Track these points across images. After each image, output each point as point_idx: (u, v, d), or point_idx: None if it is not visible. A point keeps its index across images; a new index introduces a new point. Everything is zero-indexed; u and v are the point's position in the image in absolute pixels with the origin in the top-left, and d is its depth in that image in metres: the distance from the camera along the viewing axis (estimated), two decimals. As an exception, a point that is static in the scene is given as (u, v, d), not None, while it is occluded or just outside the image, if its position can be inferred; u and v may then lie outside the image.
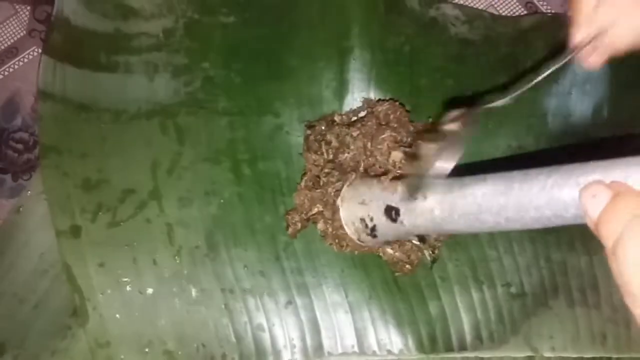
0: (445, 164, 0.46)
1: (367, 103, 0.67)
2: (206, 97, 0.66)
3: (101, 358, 0.59)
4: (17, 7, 0.75)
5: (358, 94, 0.68)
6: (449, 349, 0.62)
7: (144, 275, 0.61)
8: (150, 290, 0.61)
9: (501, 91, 0.49)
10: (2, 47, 0.74)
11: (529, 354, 0.63)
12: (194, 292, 0.61)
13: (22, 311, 0.63)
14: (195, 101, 0.66)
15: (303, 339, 0.61)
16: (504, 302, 0.64)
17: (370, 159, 0.60)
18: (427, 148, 0.50)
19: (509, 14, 0.77)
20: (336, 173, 0.61)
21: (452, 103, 0.62)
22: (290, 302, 0.62)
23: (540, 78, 0.47)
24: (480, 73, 0.71)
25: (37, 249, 0.65)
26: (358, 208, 0.56)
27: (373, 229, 0.55)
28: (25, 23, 0.75)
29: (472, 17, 0.73)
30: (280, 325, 0.61)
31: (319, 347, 0.61)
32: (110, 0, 0.67)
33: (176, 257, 0.62)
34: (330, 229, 0.61)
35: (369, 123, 0.63)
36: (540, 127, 0.70)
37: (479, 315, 0.63)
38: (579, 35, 0.45)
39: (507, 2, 0.77)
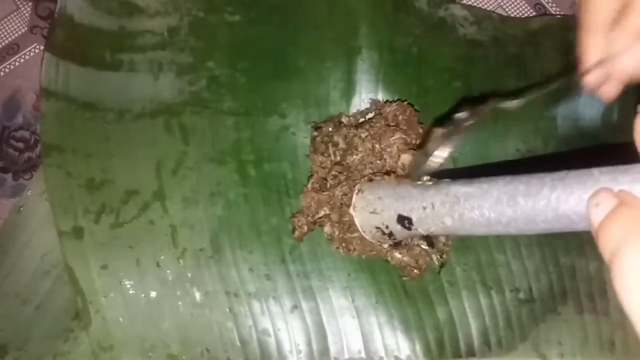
0: (442, 153, 0.47)
1: (375, 104, 0.66)
2: (211, 96, 0.65)
3: (104, 361, 0.58)
4: (18, 3, 0.74)
5: (366, 95, 0.67)
6: (457, 354, 0.61)
7: (147, 277, 0.60)
8: (153, 293, 0.60)
9: (512, 94, 0.49)
10: (3, 44, 0.73)
11: (538, 360, 0.62)
12: (198, 295, 0.60)
13: (24, 313, 0.62)
14: (201, 101, 0.65)
15: (309, 344, 0.61)
16: (512, 308, 0.63)
17: (379, 161, 0.59)
18: (436, 132, 0.50)
19: (517, 16, 0.76)
20: (343, 175, 0.61)
21: (463, 102, 0.62)
22: (296, 306, 0.61)
23: (550, 88, 0.47)
24: (489, 74, 0.70)
25: (38, 249, 0.64)
26: (371, 217, 0.56)
27: (390, 234, 0.55)
28: (26, 19, 0.73)
29: (480, 18, 0.72)
30: (285, 330, 0.61)
31: (325, 352, 0.61)
32: (115, -3, 0.67)
33: (180, 259, 0.61)
34: (337, 232, 0.60)
35: (378, 124, 0.62)
36: (549, 130, 0.69)
37: (487, 320, 0.62)
38: (589, 59, 0.43)
39: (515, 3, 0.76)
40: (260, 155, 0.65)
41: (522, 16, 0.76)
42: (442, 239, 0.62)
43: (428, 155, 0.49)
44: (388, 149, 0.58)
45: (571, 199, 0.35)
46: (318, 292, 0.62)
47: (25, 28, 0.73)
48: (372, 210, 0.55)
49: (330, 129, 0.64)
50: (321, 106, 0.66)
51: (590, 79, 0.44)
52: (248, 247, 0.62)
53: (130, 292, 0.59)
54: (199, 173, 0.63)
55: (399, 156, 0.58)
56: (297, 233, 0.61)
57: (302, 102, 0.66)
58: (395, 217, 0.52)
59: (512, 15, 0.76)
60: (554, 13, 0.76)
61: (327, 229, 0.61)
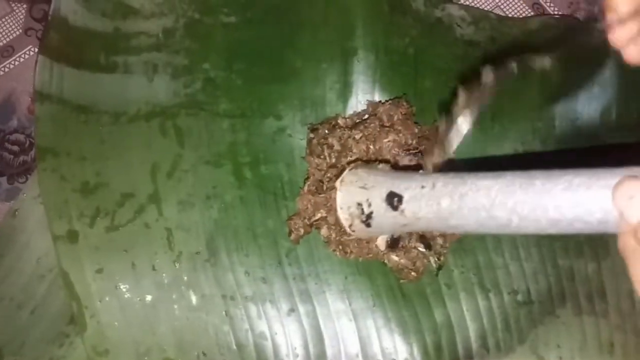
0: (467, 118, 0.45)
1: (372, 105, 0.66)
2: (207, 98, 0.65)
3: (99, 366, 0.58)
4: (13, 5, 0.73)
5: (362, 97, 0.66)
6: (455, 357, 0.61)
7: (143, 281, 0.60)
8: (149, 297, 0.59)
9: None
10: (-2, 46, 0.72)
11: (536, 363, 0.62)
12: (194, 299, 0.60)
13: (19, 317, 0.62)
14: (196, 103, 0.65)
15: (306, 347, 0.60)
16: (510, 310, 0.63)
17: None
18: (461, 96, 0.48)
19: (515, 15, 0.76)
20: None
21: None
22: (292, 310, 0.61)
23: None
24: (486, 75, 0.70)
25: (34, 253, 0.64)
26: (358, 192, 0.54)
27: (369, 215, 0.52)
28: (21, 21, 0.73)
29: (478, 18, 0.72)
30: (282, 333, 0.60)
31: (322, 355, 0.60)
32: (109, -2, 0.66)
33: (176, 263, 0.60)
34: (333, 235, 0.60)
35: (372, 125, 0.62)
36: (546, 130, 0.69)
37: (485, 323, 0.62)
38: (619, 9, 0.37)
39: (513, 3, 0.76)
40: (256, 157, 0.64)
41: (520, 16, 0.75)
42: (440, 241, 0.61)
43: (453, 121, 0.47)
44: (383, 151, 0.58)
45: (600, 183, 0.32)
46: (315, 295, 0.61)
47: (20, 30, 0.73)
48: (362, 185, 0.53)
49: (326, 131, 0.64)
50: (317, 108, 0.66)
51: (617, 35, 0.37)
52: (244, 250, 0.61)
53: (126, 296, 0.59)
54: (195, 176, 0.63)
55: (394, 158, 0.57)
56: (293, 236, 0.61)
57: (299, 104, 0.66)
58: (385, 194, 0.50)
59: (510, 15, 0.75)
60: (552, 13, 0.76)
61: (323, 231, 0.61)
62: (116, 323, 0.58)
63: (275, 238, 0.62)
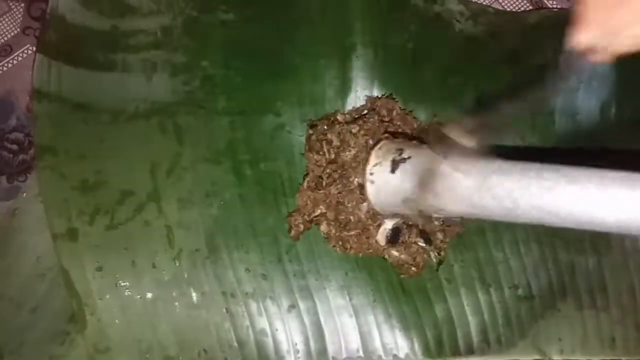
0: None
1: (369, 100, 0.65)
2: (206, 96, 0.65)
3: (100, 364, 0.58)
4: (11, 4, 0.73)
5: (361, 92, 0.66)
6: (456, 352, 0.61)
7: (143, 279, 0.59)
8: (149, 295, 0.59)
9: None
10: (-4, 45, 0.72)
11: (537, 357, 0.62)
12: (194, 296, 0.60)
13: (19, 316, 0.62)
14: (195, 101, 0.65)
15: (307, 344, 0.60)
16: (511, 305, 0.63)
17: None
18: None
19: (514, 10, 0.75)
20: (337, 174, 0.60)
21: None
22: (293, 306, 0.61)
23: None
24: (485, 69, 0.69)
25: (33, 252, 0.64)
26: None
27: (404, 159, 0.53)
28: (19, 20, 0.73)
29: (476, 12, 0.72)
30: (283, 330, 0.60)
31: (323, 351, 0.60)
32: (107, -3, 0.66)
33: (176, 260, 0.60)
34: (333, 231, 0.60)
35: (371, 120, 0.62)
36: (546, 125, 0.69)
37: (486, 318, 0.62)
38: (586, 34, 0.43)
39: (512, -3, 0.76)
40: (255, 154, 0.64)
41: (519, 10, 0.75)
42: (440, 236, 0.61)
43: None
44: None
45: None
46: (315, 291, 0.61)
47: (18, 29, 0.73)
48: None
49: (325, 127, 0.64)
50: (317, 104, 0.66)
51: (584, 42, 0.43)
52: (244, 247, 0.61)
53: (126, 293, 0.59)
54: (194, 173, 0.63)
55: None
56: (293, 232, 0.61)
57: (298, 101, 0.66)
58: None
59: (509, 9, 0.75)
60: (550, 7, 0.76)
61: (323, 227, 0.61)
62: (117, 321, 0.58)
63: (276, 235, 0.62)
